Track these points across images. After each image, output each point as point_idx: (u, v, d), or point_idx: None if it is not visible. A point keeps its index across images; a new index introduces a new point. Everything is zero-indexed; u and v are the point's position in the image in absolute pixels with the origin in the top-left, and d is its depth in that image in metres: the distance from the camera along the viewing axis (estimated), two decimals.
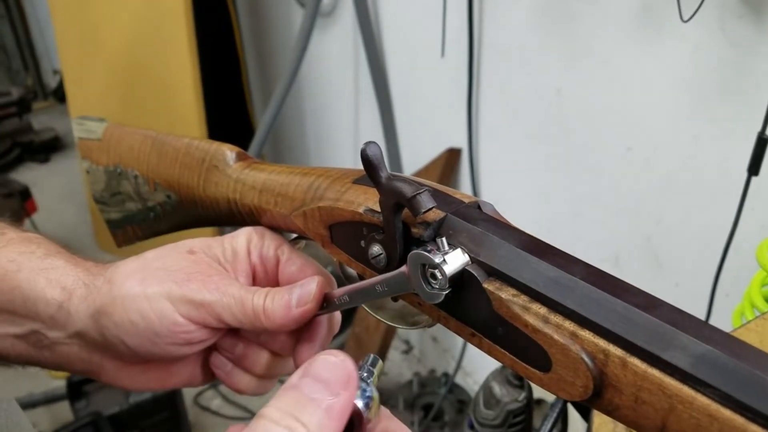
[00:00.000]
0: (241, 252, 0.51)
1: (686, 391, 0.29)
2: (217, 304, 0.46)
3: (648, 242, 1.45)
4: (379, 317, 0.46)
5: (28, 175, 3.49)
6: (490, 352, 0.37)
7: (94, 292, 0.50)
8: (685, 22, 1.12)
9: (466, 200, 0.40)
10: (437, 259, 0.36)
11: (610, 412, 0.33)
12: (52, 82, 4.45)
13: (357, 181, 0.44)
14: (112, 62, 2.52)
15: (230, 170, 0.55)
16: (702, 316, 1.26)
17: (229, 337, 0.52)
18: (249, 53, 2.86)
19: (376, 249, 0.41)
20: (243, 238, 0.51)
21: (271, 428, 0.32)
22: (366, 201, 0.42)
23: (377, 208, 0.40)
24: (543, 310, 0.34)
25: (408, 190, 0.36)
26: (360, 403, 0.35)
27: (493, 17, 1.64)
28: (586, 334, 0.33)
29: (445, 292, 0.37)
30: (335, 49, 2.29)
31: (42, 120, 3.93)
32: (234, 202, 0.54)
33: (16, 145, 3.60)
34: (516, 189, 1.79)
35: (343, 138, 2.45)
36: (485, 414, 0.77)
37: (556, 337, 0.33)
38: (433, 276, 0.37)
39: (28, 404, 1.98)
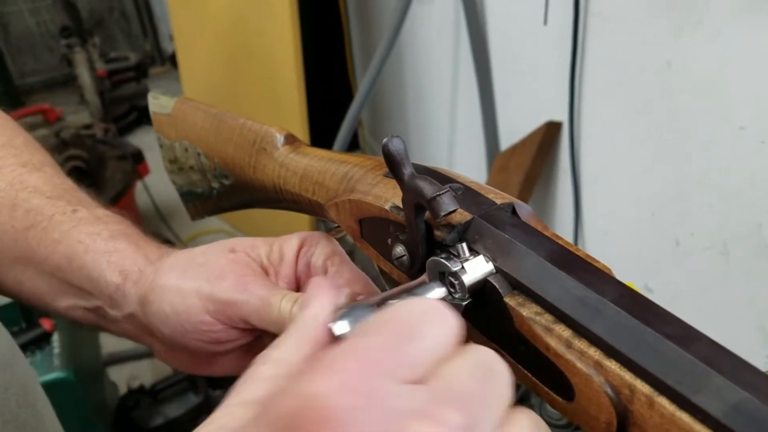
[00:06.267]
0: (289, 257, 0.49)
1: None
2: (243, 305, 0.45)
3: (759, 230, 1.33)
4: None
5: (144, 138, 3.65)
6: (512, 371, 0.34)
7: (143, 278, 0.51)
8: None
9: (499, 201, 0.37)
10: (455, 267, 0.33)
11: None
12: (169, 48, 4.62)
13: (389, 174, 0.41)
14: (219, 29, 2.58)
15: (277, 153, 0.53)
16: None
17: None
18: (353, 17, 2.85)
19: (399, 249, 0.38)
20: (295, 242, 0.50)
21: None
22: (394, 197, 0.39)
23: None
24: (567, 333, 0.31)
25: (429, 190, 0.33)
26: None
27: None
28: (612, 365, 0.29)
29: (464, 303, 0.34)
30: (436, 14, 2.23)
31: (159, 84, 4.10)
32: (279, 187, 0.52)
33: (133, 109, 3.78)
34: (618, 166, 1.69)
35: (439, 106, 2.41)
36: (551, 413, 0.73)
37: (579, 365, 0.30)
38: (452, 285, 0.34)
39: (133, 356, 2.11)
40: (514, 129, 1.98)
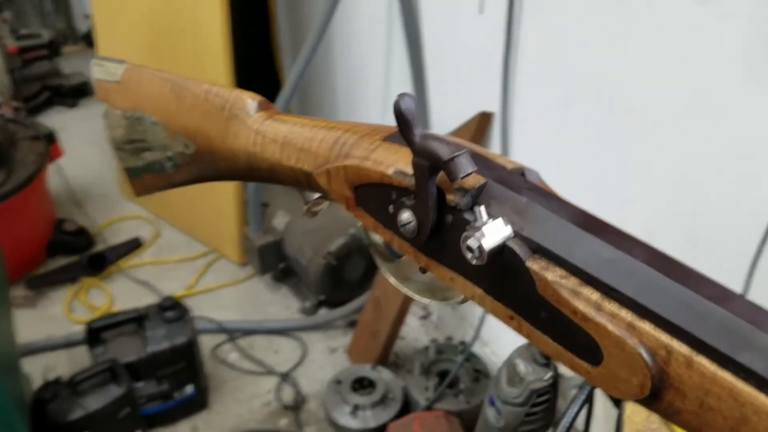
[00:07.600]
0: None
1: (763, 399, 0.25)
2: None
3: (685, 219, 1.39)
4: (405, 289, 0.42)
5: (57, 118, 3.48)
6: (530, 337, 0.33)
7: None
8: None
9: (510, 166, 0.36)
10: (474, 232, 0.32)
11: (670, 416, 0.29)
12: (82, 27, 4.41)
13: (388, 139, 0.40)
14: (142, 8, 2.48)
15: (251, 120, 0.50)
16: None
17: None
18: (280, 4, 2.79)
19: (406, 216, 0.36)
20: None
21: None
22: (397, 162, 0.38)
23: (409, 170, 0.36)
24: (596, 295, 0.30)
25: (445, 152, 0.32)
26: None
27: None
28: (646, 326, 0.28)
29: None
30: (368, 1, 2.21)
31: (72, 64, 3.90)
32: (253, 155, 0.49)
33: (45, 89, 3.59)
34: (548, 158, 1.72)
35: (373, 96, 2.39)
36: (507, 392, 0.73)
37: (610, 327, 0.29)
38: (470, 249, 0.33)
39: (47, 347, 2.00)
40: (446, 119, 1.99)
